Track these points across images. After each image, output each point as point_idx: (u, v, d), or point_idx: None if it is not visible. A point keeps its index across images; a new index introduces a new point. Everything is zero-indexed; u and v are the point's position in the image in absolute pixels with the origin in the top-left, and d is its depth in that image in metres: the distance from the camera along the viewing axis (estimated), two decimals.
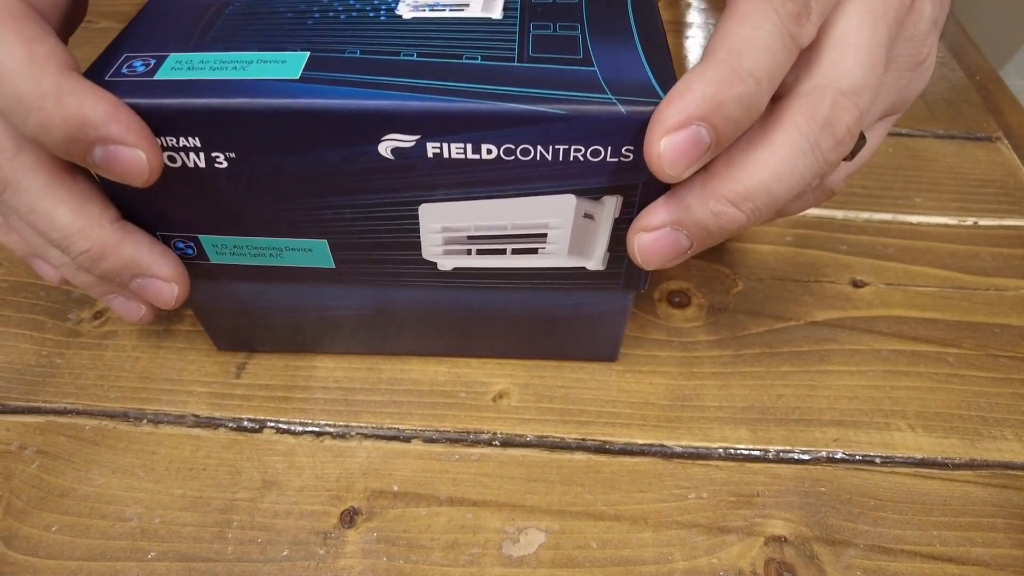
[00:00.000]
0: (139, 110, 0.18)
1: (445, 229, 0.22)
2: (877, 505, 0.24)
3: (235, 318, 0.26)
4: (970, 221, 0.34)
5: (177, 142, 0.19)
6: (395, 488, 0.25)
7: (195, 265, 0.23)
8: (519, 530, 0.24)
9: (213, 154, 0.19)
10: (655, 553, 0.23)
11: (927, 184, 0.35)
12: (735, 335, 0.29)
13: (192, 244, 0.22)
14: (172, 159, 0.19)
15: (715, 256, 0.32)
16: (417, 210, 0.21)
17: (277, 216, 0.21)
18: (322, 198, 0.21)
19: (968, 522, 0.24)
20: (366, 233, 0.22)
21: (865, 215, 0.34)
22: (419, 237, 0.22)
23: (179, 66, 0.19)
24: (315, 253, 0.22)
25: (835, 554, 0.23)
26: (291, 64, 0.19)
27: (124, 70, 0.19)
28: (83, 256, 0.20)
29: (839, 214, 0.34)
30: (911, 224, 0.33)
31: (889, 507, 0.24)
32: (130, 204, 0.21)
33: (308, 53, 0.19)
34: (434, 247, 0.22)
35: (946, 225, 0.33)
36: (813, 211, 0.34)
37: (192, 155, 0.19)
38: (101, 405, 0.27)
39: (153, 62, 0.19)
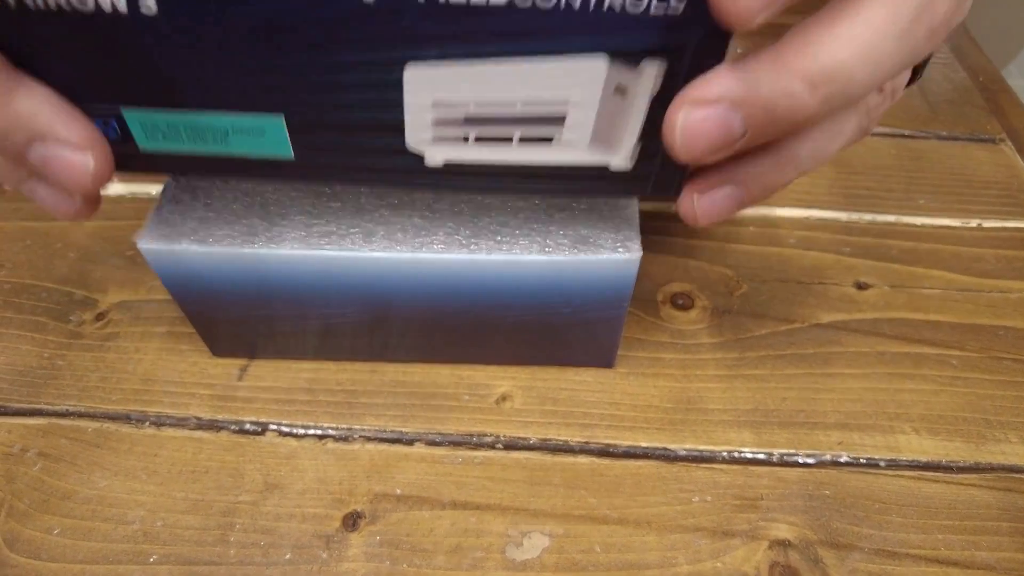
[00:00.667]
0: None
1: (437, 104, 0.17)
2: (882, 508, 0.24)
3: (231, 327, 0.26)
4: (974, 223, 0.33)
5: None
6: (398, 491, 0.24)
7: (121, 155, 0.18)
8: (523, 534, 0.24)
9: None
10: (659, 557, 0.23)
11: (930, 186, 0.35)
12: (738, 337, 0.29)
13: (114, 122, 0.18)
14: (83, 2, 0.15)
15: (718, 258, 0.32)
16: (401, 75, 0.17)
17: (220, 80, 0.17)
18: (280, 55, 0.16)
19: (973, 526, 0.24)
20: (334, 109, 0.17)
21: (868, 217, 0.34)
22: (402, 116, 0.18)
23: None
24: (268, 136, 0.18)
25: (839, 558, 0.23)
26: None
27: None
28: None
29: (843, 216, 0.34)
30: (915, 226, 0.33)
31: (894, 510, 0.24)
32: (29, 66, 0.16)
33: None
34: (421, 131, 0.18)
35: (950, 227, 0.33)
36: (816, 213, 0.34)
37: None
38: (103, 407, 0.27)
39: None
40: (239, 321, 0.25)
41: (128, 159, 0.18)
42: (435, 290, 0.23)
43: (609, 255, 0.22)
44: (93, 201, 0.20)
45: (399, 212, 0.24)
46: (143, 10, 0.15)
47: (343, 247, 0.22)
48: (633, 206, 0.23)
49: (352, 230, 0.23)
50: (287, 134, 0.18)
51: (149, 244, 0.22)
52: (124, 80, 0.17)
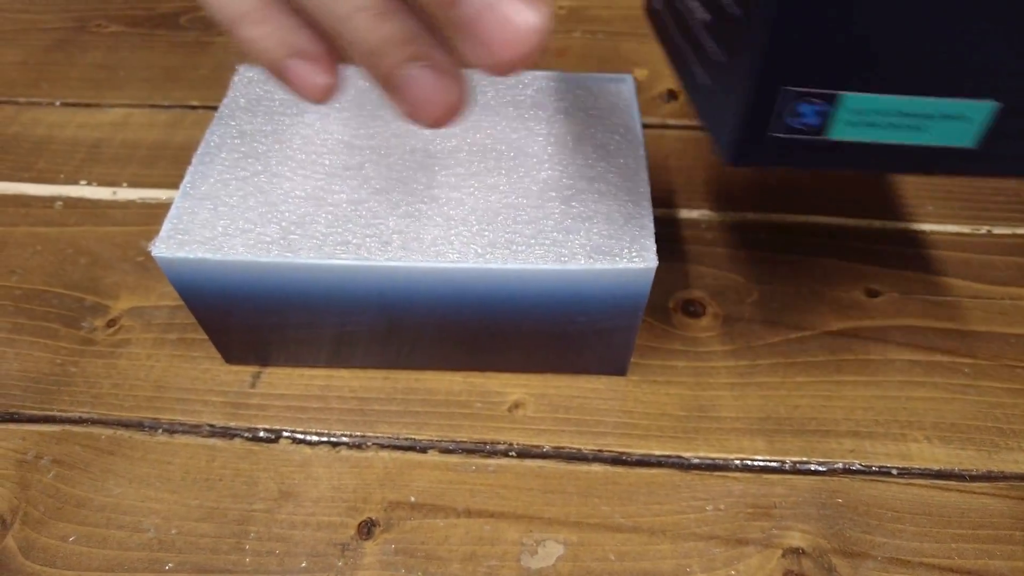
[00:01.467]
0: None
1: None
2: (895, 517, 0.24)
3: (244, 334, 0.26)
4: (984, 230, 0.33)
5: None
6: (412, 499, 0.24)
7: (802, 146, 0.17)
8: (537, 542, 0.24)
9: None
10: (673, 565, 0.23)
11: (940, 192, 0.35)
12: (750, 345, 0.29)
13: (820, 108, 0.17)
14: None
15: (730, 266, 0.32)
16: None
17: (949, 61, 0.16)
18: (1010, 32, 0.15)
19: (986, 535, 0.24)
20: None
21: (879, 224, 0.34)
22: None
23: None
24: (963, 124, 0.17)
25: (853, 566, 0.23)
26: None
27: None
28: None
29: (852, 223, 0.34)
30: (925, 233, 0.33)
31: (907, 519, 0.24)
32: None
33: None
34: None
35: (960, 234, 0.33)
36: (826, 220, 0.34)
37: None
38: (116, 414, 0.27)
39: None
40: (252, 329, 0.26)
41: (814, 147, 0.17)
42: (450, 299, 0.23)
43: (626, 264, 0.22)
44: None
45: (414, 221, 0.24)
46: None
47: (358, 256, 0.22)
48: (648, 214, 0.24)
49: (367, 239, 0.23)
50: (985, 122, 0.17)
51: (163, 252, 0.22)
52: (854, 61, 0.16)
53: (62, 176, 0.35)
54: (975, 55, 0.15)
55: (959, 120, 0.17)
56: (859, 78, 0.16)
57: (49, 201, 0.34)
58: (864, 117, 0.17)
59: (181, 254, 0.22)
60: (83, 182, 0.35)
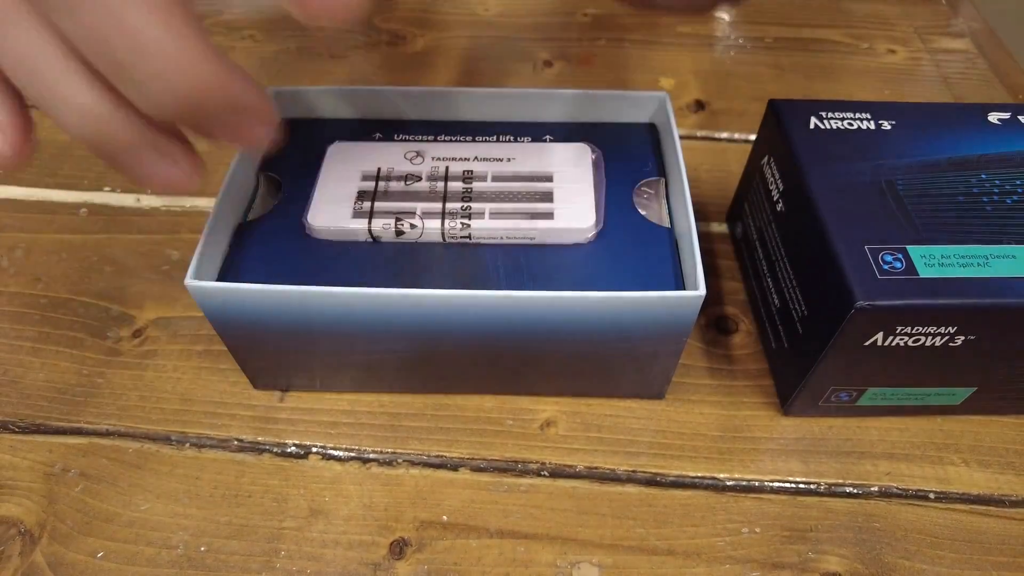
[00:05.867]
0: (912, 309, 0.21)
1: None
2: (933, 543, 0.24)
3: (275, 361, 0.25)
4: None
5: (928, 329, 0.22)
6: (444, 519, 0.24)
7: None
8: (571, 564, 0.23)
9: (958, 339, 0.22)
10: None
11: None
12: None
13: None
14: (916, 340, 0.22)
15: None
16: None
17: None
18: None
19: None
20: None
21: None
22: None
23: (930, 261, 0.22)
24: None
25: None
26: (1022, 260, 0.22)
27: (884, 266, 0.22)
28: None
29: None
30: None
31: (946, 545, 0.24)
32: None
33: None
34: None
35: None
36: None
37: (933, 339, 0.22)
38: (143, 427, 0.26)
39: (901, 256, 0.22)
40: (283, 356, 0.25)
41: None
42: (488, 327, 0.23)
43: (673, 292, 0.22)
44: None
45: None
46: (951, 344, 0.23)
47: (394, 284, 0.22)
48: (694, 240, 0.23)
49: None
50: None
51: (197, 282, 0.22)
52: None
53: (86, 182, 0.35)
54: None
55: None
56: (879, 379, 0.25)
57: (74, 208, 0.34)
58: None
59: (215, 284, 0.22)
60: (107, 188, 0.35)
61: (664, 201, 0.26)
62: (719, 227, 0.33)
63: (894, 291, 0.21)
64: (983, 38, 0.45)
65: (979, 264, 0.22)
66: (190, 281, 0.21)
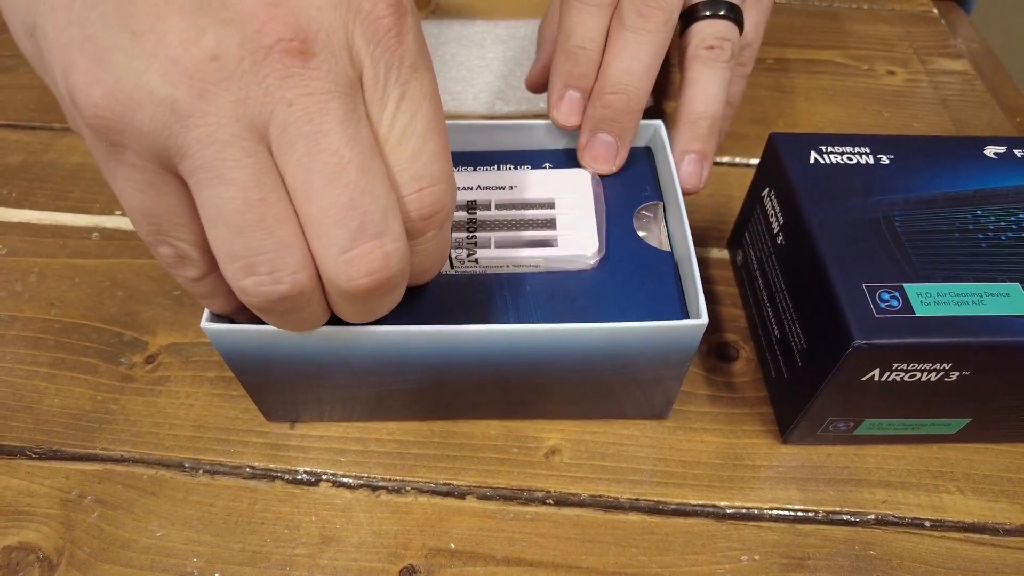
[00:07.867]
0: (908, 347, 0.22)
1: None
2: (929, 571, 0.25)
3: (288, 395, 0.26)
4: None
5: (924, 365, 0.23)
6: (452, 546, 0.25)
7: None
8: None
9: (953, 374, 0.23)
10: None
11: None
12: None
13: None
14: (912, 375, 0.23)
15: None
16: None
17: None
18: None
19: None
20: None
21: None
22: None
23: (926, 299, 0.23)
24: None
25: None
26: (1015, 299, 0.23)
27: (882, 304, 0.23)
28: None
29: None
30: None
31: (941, 573, 0.25)
32: None
33: (1018, 284, 0.23)
34: None
35: None
36: None
37: (928, 374, 0.23)
38: (157, 454, 0.27)
39: (898, 295, 0.23)
40: (296, 390, 0.25)
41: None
42: (498, 358, 0.23)
43: (676, 321, 0.22)
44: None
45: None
46: (946, 379, 0.24)
47: (404, 321, 0.22)
48: (694, 269, 0.24)
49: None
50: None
51: (213, 325, 0.22)
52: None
53: (97, 206, 0.36)
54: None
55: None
56: (876, 411, 0.26)
57: (86, 232, 0.34)
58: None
59: (230, 326, 0.22)
60: (118, 212, 0.35)
61: (664, 224, 0.27)
62: (719, 253, 0.34)
63: (891, 330, 0.22)
64: (982, 59, 0.46)
65: (974, 302, 0.23)
66: (206, 324, 0.22)
